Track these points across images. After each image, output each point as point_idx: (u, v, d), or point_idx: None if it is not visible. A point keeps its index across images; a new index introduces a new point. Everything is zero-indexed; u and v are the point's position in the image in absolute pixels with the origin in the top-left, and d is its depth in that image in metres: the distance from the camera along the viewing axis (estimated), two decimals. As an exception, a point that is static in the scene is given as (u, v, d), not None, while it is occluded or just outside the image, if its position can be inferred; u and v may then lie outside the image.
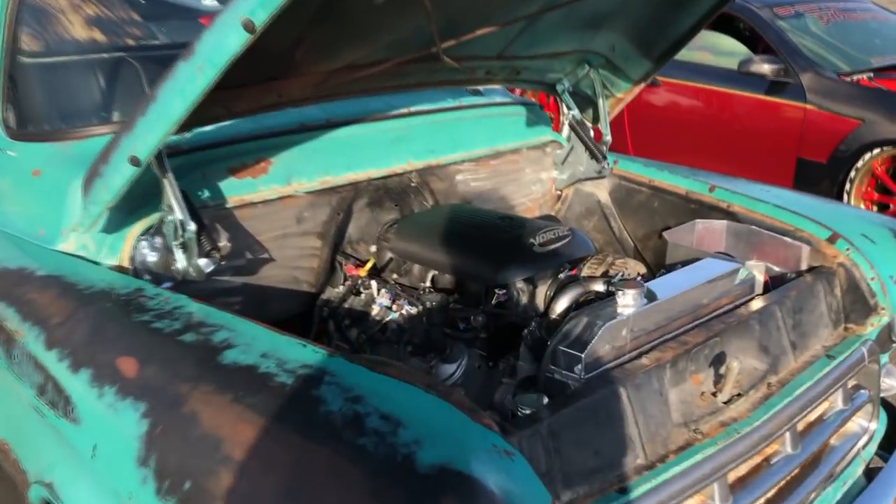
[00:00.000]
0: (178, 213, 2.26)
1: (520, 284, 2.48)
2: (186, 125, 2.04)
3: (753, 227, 2.83)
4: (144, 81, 2.96)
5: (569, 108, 3.39)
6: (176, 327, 1.95)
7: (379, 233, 3.05)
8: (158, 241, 2.40)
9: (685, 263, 2.61)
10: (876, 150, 5.85)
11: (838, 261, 2.64)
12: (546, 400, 1.90)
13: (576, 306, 2.35)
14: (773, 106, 6.34)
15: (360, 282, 2.75)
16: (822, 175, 6.14)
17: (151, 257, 2.40)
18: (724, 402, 2.14)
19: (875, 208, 5.99)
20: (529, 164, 3.49)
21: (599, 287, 2.35)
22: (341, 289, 2.84)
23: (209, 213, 2.55)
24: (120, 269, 2.31)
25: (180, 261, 2.31)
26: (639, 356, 2.08)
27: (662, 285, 2.24)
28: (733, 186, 3.08)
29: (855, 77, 6.19)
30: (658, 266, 3.18)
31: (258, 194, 2.67)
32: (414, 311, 2.56)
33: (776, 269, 2.76)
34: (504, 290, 2.42)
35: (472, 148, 3.28)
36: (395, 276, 2.84)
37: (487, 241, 2.51)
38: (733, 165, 6.51)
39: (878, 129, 5.83)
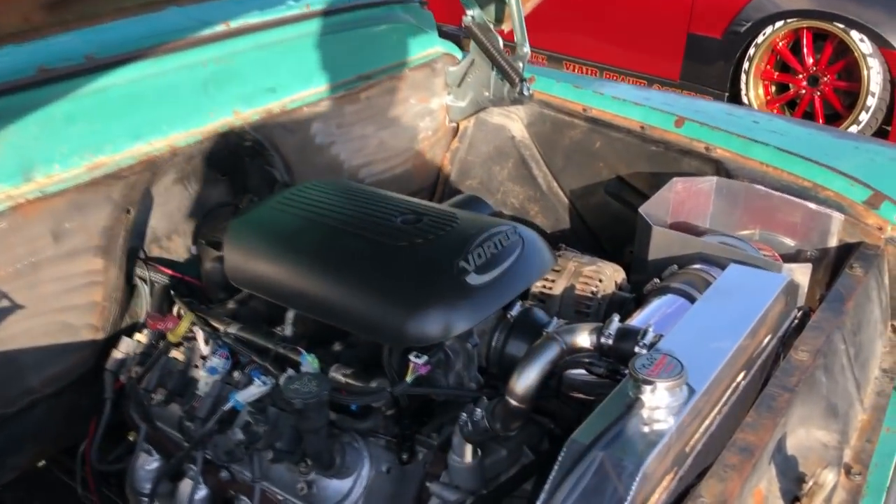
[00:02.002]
0: None
1: (449, 342, 1.51)
2: None
3: (756, 185, 1.96)
4: None
5: (466, 5, 2.34)
6: None
7: (198, 228, 1.96)
8: None
9: (683, 264, 1.72)
10: (778, 24, 5.14)
11: (886, 235, 1.83)
12: None
13: (553, 379, 1.41)
14: (660, -26, 5.48)
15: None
16: (716, 53, 5.39)
17: None
18: (807, 533, 1.31)
19: (774, 89, 5.36)
20: (414, 91, 2.45)
21: (584, 338, 1.40)
22: (145, 337, 1.76)
23: None
24: None
25: None
26: (685, 495, 1.19)
27: (695, 343, 1.34)
28: (707, 116, 2.18)
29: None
30: (611, 240, 2.29)
31: (-30, 206, 1.52)
32: (268, 385, 1.54)
33: (789, 243, 1.93)
34: (422, 358, 1.43)
35: (331, 78, 2.19)
36: (230, 305, 1.79)
37: (389, 272, 1.49)
38: (619, 44, 5.68)
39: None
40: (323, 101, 2.18)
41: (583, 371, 1.44)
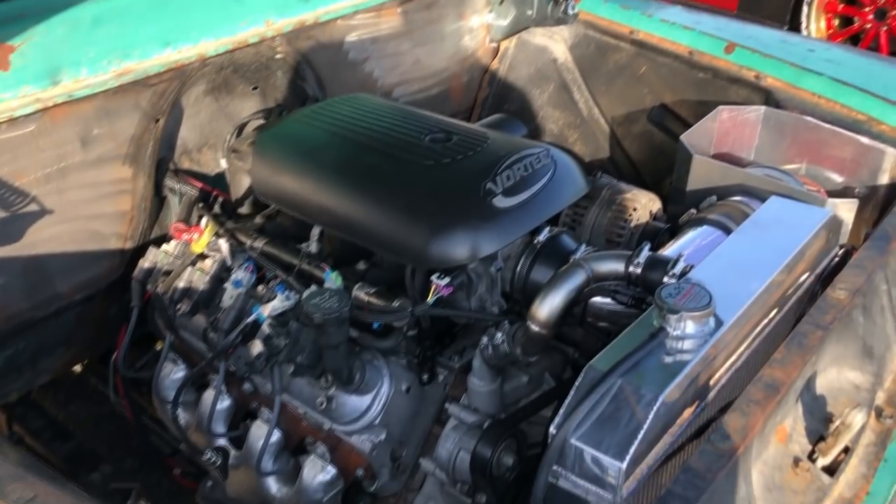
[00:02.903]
0: None
1: (472, 265, 1.48)
2: None
3: (805, 116, 1.86)
4: None
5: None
6: None
7: (228, 141, 1.93)
8: None
9: (722, 196, 1.65)
10: (846, -50, 4.86)
11: (942, 174, 1.73)
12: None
13: (578, 307, 1.37)
14: None
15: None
16: (775, -18, 5.14)
17: None
18: (830, 473, 1.27)
19: (837, 22, 5.10)
20: (454, 8, 2.36)
21: (612, 265, 1.36)
22: (172, 247, 1.76)
23: None
24: None
25: None
26: (706, 429, 1.16)
27: (726, 274, 1.29)
28: (759, 43, 2.07)
29: None
30: (651, 170, 2.22)
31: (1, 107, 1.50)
32: (292, 300, 1.53)
33: (837, 179, 1.85)
34: (445, 279, 1.40)
35: (368, -10, 2.11)
36: (257, 220, 1.77)
37: (415, 192, 1.45)
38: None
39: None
40: (358, 15, 2.11)
41: (609, 300, 1.40)
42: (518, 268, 1.50)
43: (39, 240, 1.67)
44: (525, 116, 2.43)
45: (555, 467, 1.10)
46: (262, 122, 2.00)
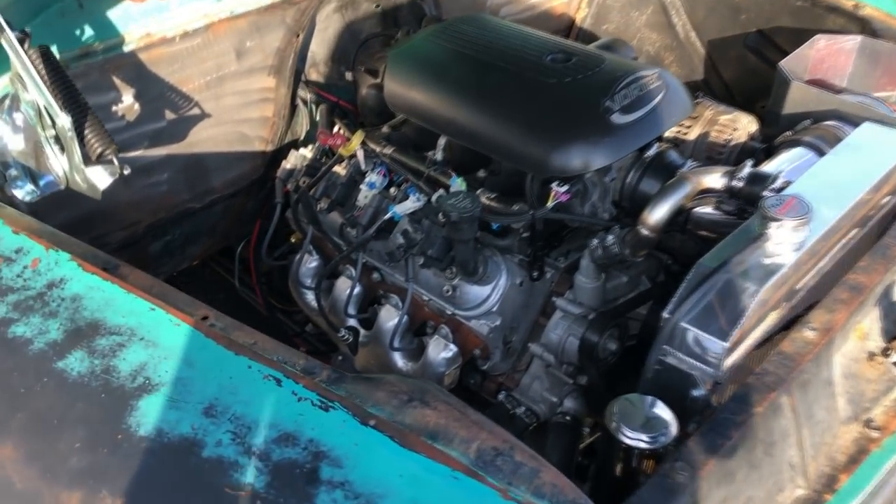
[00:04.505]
0: (36, 93, 1.35)
1: (588, 175, 1.66)
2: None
3: (902, 46, 1.96)
4: None
5: None
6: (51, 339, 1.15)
7: (354, 56, 2.12)
8: (20, 118, 1.51)
9: (817, 120, 1.79)
10: None
11: None
12: (672, 430, 1.19)
13: (681, 215, 1.55)
14: None
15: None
16: None
17: (13, 142, 1.53)
18: (901, 367, 1.45)
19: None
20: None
21: (716, 179, 1.53)
22: (310, 151, 1.97)
23: (97, 63, 1.62)
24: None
25: (57, 163, 1.44)
26: (793, 324, 1.35)
27: (820, 191, 1.45)
28: (860, -28, 2.15)
29: None
30: (743, 94, 2.34)
31: (173, 23, 1.71)
32: (422, 201, 1.74)
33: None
34: (564, 187, 1.60)
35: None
36: (384, 130, 1.97)
37: (539, 107, 1.63)
38: None
39: None
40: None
41: (710, 210, 1.57)
42: (628, 179, 1.68)
43: (199, 140, 1.90)
44: (622, 37, 2.55)
45: (664, 346, 1.31)
46: (382, 38, 2.18)
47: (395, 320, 1.77)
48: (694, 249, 1.68)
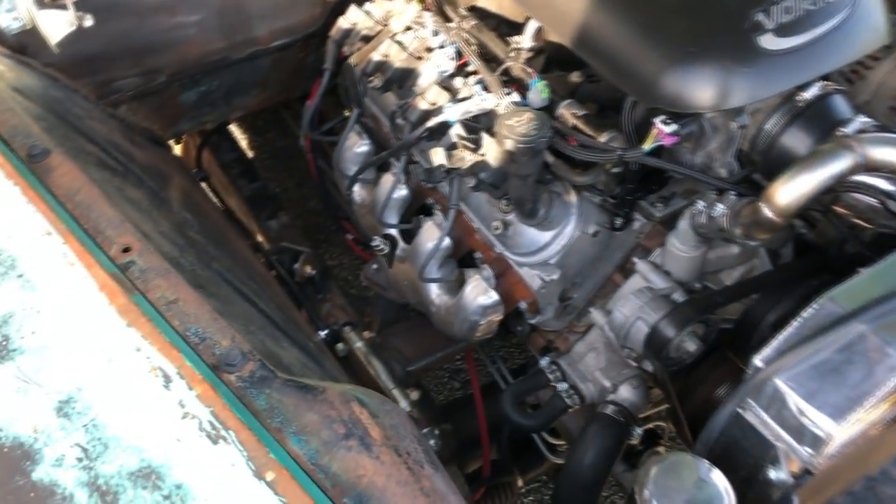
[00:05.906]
0: None
1: (710, 114, 1.19)
2: None
3: None
4: None
5: None
6: None
7: None
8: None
9: None
10: None
11: None
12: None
13: (829, 194, 1.09)
14: None
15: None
16: None
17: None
18: None
19: None
20: None
21: (892, 157, 1.04)
22: (374, 9, 1.57)
23: None
24: None
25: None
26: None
27: None
28: None
29: None
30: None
31: None
32: (489, 104, 1.33)
33: None
34: (672, 126, 1.14)
35: None
36: (461, 10, 1.53)
37: (663, 9, 1.15)
38: None
39: None
40: None
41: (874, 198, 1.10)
42: (767, 125, 1.20)
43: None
44: None
45: (748, 399, 0.92)
46: None
47: (434, 242, 1.43)
48: (837, 233, 1.23)
